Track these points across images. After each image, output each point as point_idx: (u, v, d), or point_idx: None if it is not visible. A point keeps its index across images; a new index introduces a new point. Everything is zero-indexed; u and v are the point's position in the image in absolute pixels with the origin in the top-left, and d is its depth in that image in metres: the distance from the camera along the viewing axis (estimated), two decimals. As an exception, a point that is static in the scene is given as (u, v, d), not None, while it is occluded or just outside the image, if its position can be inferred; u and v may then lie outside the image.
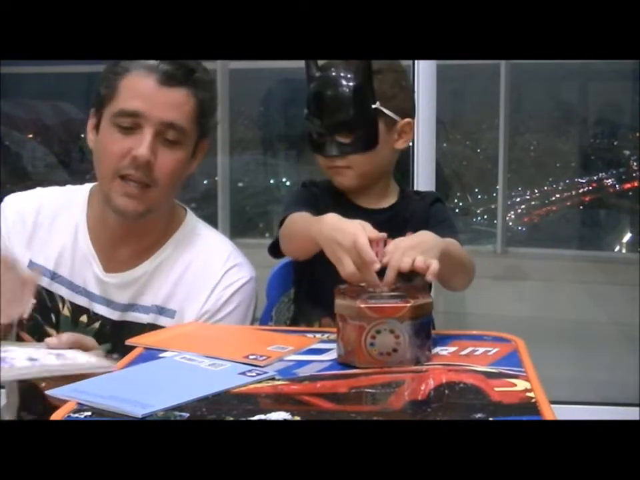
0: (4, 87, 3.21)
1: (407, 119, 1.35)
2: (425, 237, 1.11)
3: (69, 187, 1.40)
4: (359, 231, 1.05)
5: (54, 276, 1.31)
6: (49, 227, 1.33)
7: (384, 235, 1.07)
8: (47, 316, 1.30)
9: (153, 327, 1.28)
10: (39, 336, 1.27)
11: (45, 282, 1.31)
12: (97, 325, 1.29)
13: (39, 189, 1.39)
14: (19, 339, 1.29)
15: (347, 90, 1.27)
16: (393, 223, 1.34)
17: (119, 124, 1.24)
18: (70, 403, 0.84)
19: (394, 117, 1.32)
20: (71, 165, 4.03)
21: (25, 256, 1.30)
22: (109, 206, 1.27)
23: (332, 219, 1.13)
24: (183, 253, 1.33)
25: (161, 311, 1.30)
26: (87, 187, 1.38)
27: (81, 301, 1.30)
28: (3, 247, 1.29)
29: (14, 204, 1.35)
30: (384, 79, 1.31)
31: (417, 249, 1.06)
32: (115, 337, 1.27)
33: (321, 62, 1.32)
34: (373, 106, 1.29)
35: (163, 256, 1.32)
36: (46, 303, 1.30)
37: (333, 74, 1.29)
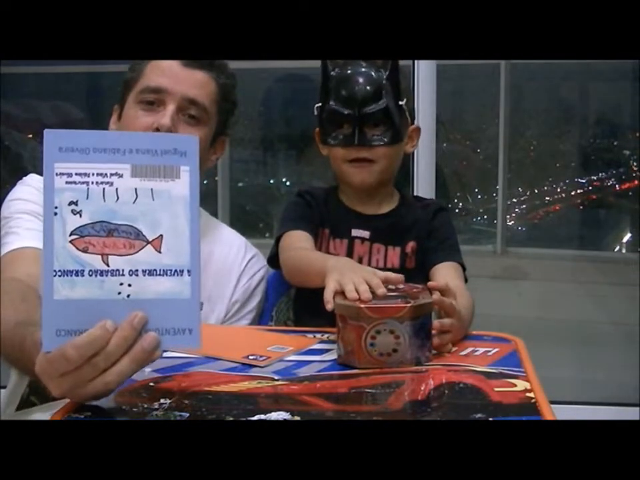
0: (4, 87, 3.21)
1: (417, 125, 1.39)
2: (466, 322, 1.11)
3: None
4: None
5: None
6: None
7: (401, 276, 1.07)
8: None
9: None
10: None
11: None
12: None
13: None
14: None
15: (382, 81, 1.29)
16: (394, 230, 1.34)
17: (143, 99, 1.29)
18: (70, 403, 0.84)
19: (408, 119, 1.33)
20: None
21: None
22: None
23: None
24: (202, 243, 1.36)
25: None
26: None
27: None
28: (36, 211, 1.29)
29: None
30: (402, 80, 1.33)
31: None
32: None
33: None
34: (400, 102, 1.31)
35: None
36: None
37: (365, 67, 1.30)
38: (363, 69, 1.30)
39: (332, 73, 1.31)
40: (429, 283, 1.07)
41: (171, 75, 1.28)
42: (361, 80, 1.30)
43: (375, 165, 1.30)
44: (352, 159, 1.30)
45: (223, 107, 1.35)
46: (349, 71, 1.30)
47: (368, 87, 1.29)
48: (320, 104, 1.33)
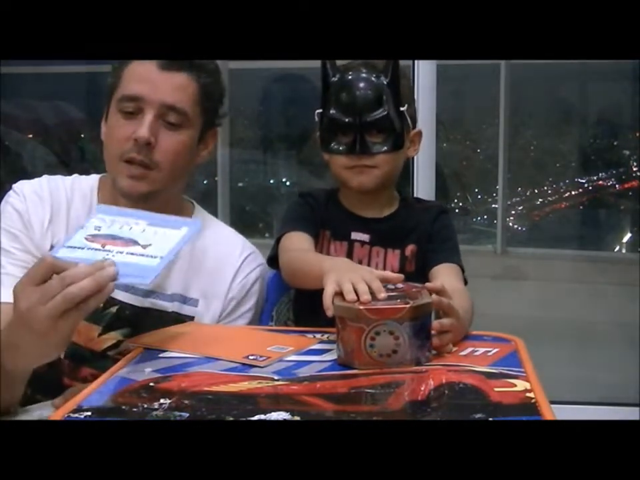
0: (4, 86, 3.21)
1: (419, 129, 1.38)
2: (465, 322, 1.11)
3: (75, 176, 1.40)
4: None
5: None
6: (66, 212, 1.32)
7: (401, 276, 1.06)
8: None
9: (177, 315, 1.30)
10: None
11: None
12: (113, 309, 1.29)
13: (46, 177, 1.37)
14: None
15: (383, 88, 1.28)
16: (393, 233, 1.34)
17: (122, 109, 1.26)
18: (69, 403, 0.84)
19: (409, 124, 1.33)
20: (71, 164, 4.04)
21: (46, 238, 1.30)
22: (116, 189, 1.28)
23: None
24: (198, 241, 1.36)
25: (184, 299, 1.32)
26: (95, 177, 1.39)
27: None
28: (20, 225, 1.29)
29: (29, 186, 1.34)
30: (404, 84, 1.33)
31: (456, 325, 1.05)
32: (137, 323, 1.28)
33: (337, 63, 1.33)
34: (401, 108, 1.30)
35: None
36: None
37: (366, 73, 1.29)
38: (364, 75, 1.29)
39: (332, 79, 1.30)
40: (426, 284, 1.07)
41: (148, 80, 1.25)
42: (361, 87, 1.29)
43: (375, 169, 1.30)
44: (353, 166, 1.30)
45: (208, 106, 1.32)
46: (349, 78, 1.30)
47: (369, 94, 1.28)
48: (321, 110, 1.32)
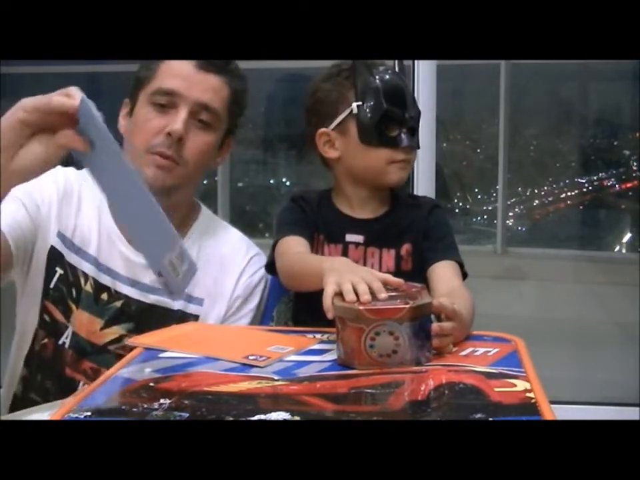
0: (4, 87, 3.21)
1: None
2: (466, 322, 1.10)
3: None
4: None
5: (79, 251, 1.31)
6: (77, 203, 1.33)
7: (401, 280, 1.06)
8: (69, 290, 1.30)
9: (183, 313, 1.31)
10: (63, 307, 1.30)
11: (70, 257, 1.31)
12: (118, 303, 1.30)
13: (58, 167, 1.37)
14: (44, 308, 1.31)
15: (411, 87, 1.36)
16: (388, 232, 1.33)
17: (156, 102, 1.28)
18: (69, 403, 0.84)
19: None
20: (71, 164, 4.04)
21: (53, 224, 1.30)
22: None
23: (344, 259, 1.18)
24: (205, 241, 1.38)
25: (189, 298, 1.33)
26: None
27: (104, 279, 1.31)
28: (35, 205, 1.29)
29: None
30: None
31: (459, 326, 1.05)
32: (141, 319, 1.29)
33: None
34: None
35: (188, 242, 1.35)
36: (69, 277, 1.31)
37: (399, 73, 1.32)
38: (402, 74, 1.32)
39: (380, 73, 1.30)
40: (436, 306, 1.04)
41: (184, 77, 1.28)
42: (406, 84, 1.32)
43: (409, 165, 1.33)
44: (400, 160, 1.30)
45: (234, 111, 1.35)
46: (395, 73, 1.31)
47: (411, 91, 1.32)
48: (360, 103, 1.29)
